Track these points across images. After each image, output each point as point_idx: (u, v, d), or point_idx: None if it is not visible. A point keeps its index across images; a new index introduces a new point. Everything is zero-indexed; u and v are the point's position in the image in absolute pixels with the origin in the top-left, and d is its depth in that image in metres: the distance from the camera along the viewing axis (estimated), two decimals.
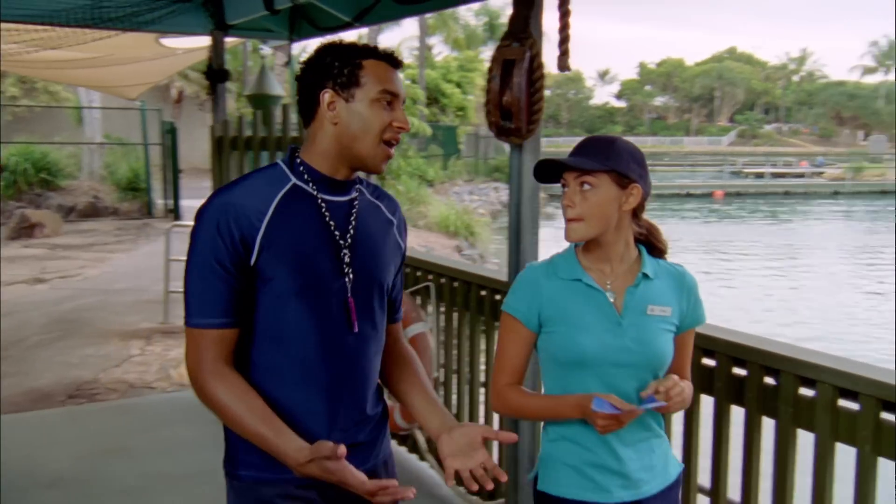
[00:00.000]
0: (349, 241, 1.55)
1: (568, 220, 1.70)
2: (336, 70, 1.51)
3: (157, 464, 3.81)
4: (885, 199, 35.47)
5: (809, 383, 2.01)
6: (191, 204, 14.84)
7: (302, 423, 1.49)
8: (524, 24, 2.39)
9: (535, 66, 2.36)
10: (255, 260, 1.46)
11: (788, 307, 14.34)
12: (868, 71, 74.02)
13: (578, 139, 1.81)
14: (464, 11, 34.25)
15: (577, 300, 1.72)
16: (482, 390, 3.34)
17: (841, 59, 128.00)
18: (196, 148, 22.27)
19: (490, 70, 2.46)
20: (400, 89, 1.53)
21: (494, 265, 14.68)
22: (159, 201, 16.02)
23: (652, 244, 1.81)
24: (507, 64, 2.39)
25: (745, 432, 2.17)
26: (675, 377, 1.65)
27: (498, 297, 3.15)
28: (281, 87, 7.69)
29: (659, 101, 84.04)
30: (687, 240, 21.93)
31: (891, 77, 71.93)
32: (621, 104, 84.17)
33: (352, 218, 1.57)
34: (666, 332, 1.74)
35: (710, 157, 58.40)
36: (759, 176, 43.48)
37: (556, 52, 2.31)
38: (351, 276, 1.54)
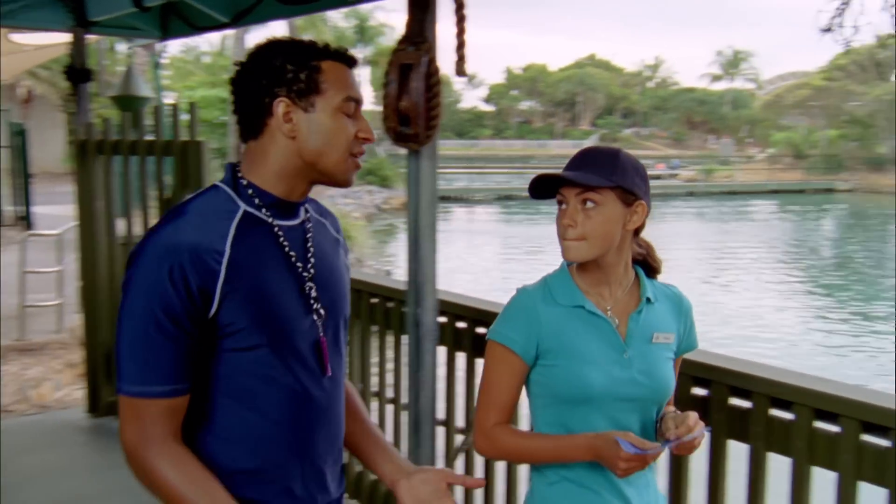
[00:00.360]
0: (311, 271, 1.36)
1: (567, 239, 1.53)
2: (291, 74, 1.29)
3: (23, 496, 3.50)
4: (733, 199, 37.97)
5: (784, 405, 1.92)
6: (45, 211, 13.87)
7: (274, 488, 1.31)
8: (420, 29, 2.35)
9: (432, 70, 2.33)
10: (214, 311, 1.22)
11: None
12: (715, 78, 78.95)
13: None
14: (333, 13, 33.90)
15: (579, 329, 1.55)
16: (390, 407, 3.25)
17: (691, 67, 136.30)
18: (48, 151, 20.90)
19: (387, 74, 2.40)
20: (362, 95, 1.35)
21: (370, 269, 14.58)
22: (8, 208, 14.89)
23: (648, 264, 1.68)
24: (404, 69, 2.34)
25: (710, 455, 2.08)
26: (692, 413, 1.51)
27: (392, 305, 3.09)
28: (148, 88, 7.31)
29: (525, 105, 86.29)
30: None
31: (735, 84, 77.13)
32: (489, 108, 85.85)
33: (309, 244, 1.38)
34: (669, 360, 1.61)
35: None
36: None
37: (454, 58, 2.29)
38: (321, 311, 1.35)
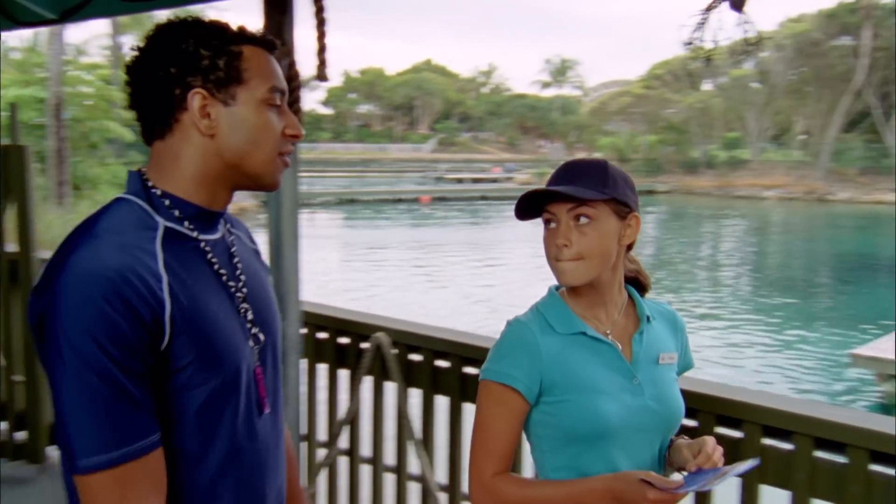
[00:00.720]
0: (244, 290, 1.19)
1: (561, 260, 1.40)
2: (207, 61, 1.10)
3: None
4: None
5: (781, 434, 1.82)
6: None
7: None
8: (278, 31, 2.26)
9: (292, 74, 2.24)
10: (166, 344, 1.03)
11: (495, 300, 15.47)
12: (545, 85, 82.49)
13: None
14: (159, 10, 32.20)
15: (584, 358, 1.41)
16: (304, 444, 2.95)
17: (522, 74, 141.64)
18: None
19: None
20: (286, 85, 1.18)
21: None
22: None
23: (638, 281, 1.56)
24: None
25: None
26: (708, 438, 1.39)
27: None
28: None
29: (363, 108, 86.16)
30: (398, 245, 22.69)
31: (563, 91, 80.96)
32: (328, 111, 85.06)
33: (235, 260, 1.21)
34: (676, 381, 1.50)
35: (414, 164, 61.29)
36: (460, 181, 46.50)
37: (315, 62, 2.21)
38: (261, 336, 1.19)
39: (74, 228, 1.09)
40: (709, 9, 1.81)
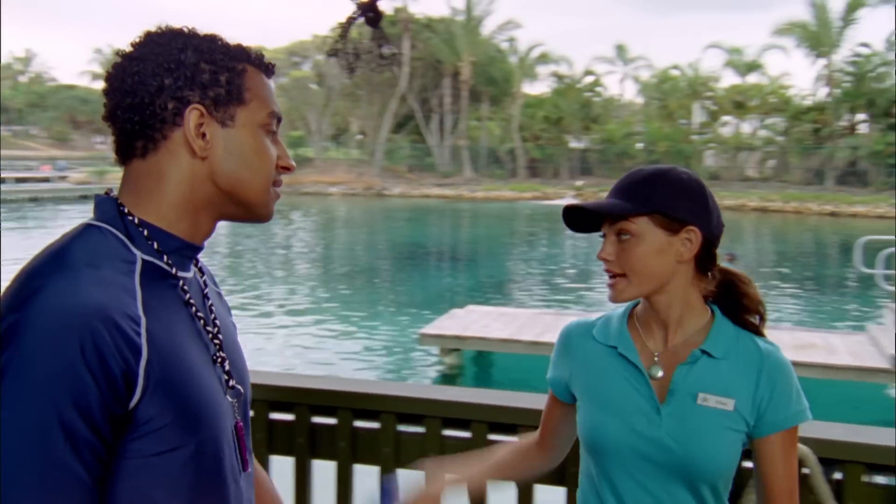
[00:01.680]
0: (220, 337, 1.04)
1: (610, 277, 1.35)
2: (208, 76, 0.99)
3: None
4: None
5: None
6: None
7: None
8: None
9: None
10: (135, 403, 0.88)
11: None
12: (96, 76, 76.25)
13: None
14: None
15: (609, 372, 1.38)
16: None
17: (70, 63, 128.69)
18: None
19: None
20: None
21: None
22: None
23: (739, 303, 1.38)
24: None
25: None
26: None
27: None
28: None
29: None
30: None
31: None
32: None
33: (209, 303, 1.07)
34: (726, 430, 1.31)
35: None
36: (1, 181, 40.71)
37: None
38: (240, 389, 1.05)
39: (38, 256, 0.93)
40: (348, 23, 1.84)
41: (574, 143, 47.32)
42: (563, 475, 1.78)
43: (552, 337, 8.60)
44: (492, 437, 1.86)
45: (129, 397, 0.88)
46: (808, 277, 19.02)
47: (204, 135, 1.01)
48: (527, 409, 1.84)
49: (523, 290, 17.35)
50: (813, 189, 37.31)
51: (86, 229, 0.98)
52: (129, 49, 1.02)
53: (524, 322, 10.51)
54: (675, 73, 44.11)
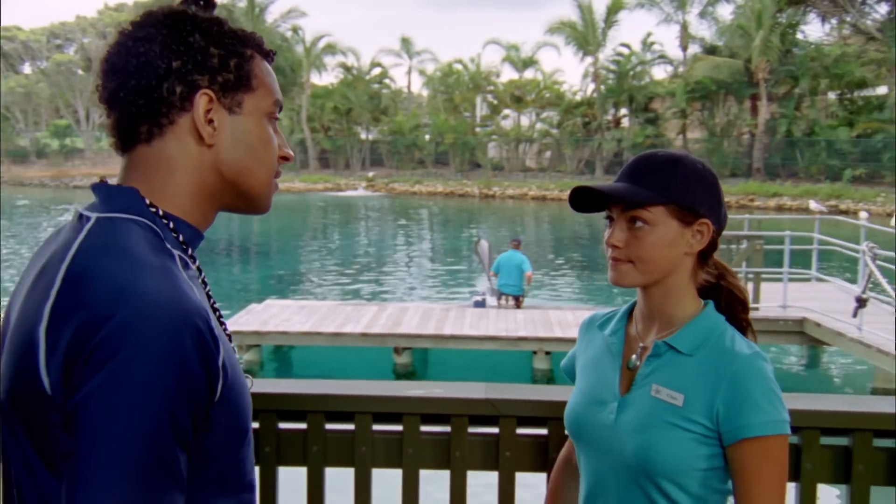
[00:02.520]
0: (227, 330, 0.99)
1: (612, 260, 1.30)
2: (217, 60, 0.95)
3: None
4: None
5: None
6: None
7: None
8: None
9: None
10: (216, 399, 0.87)
11: None
12: None
13: None
14: None
15: (598, 360, 1.41)
16: None
17: None
18: None
19: None
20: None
21: None
22: None
23: (731, 294, 1.34)
24: None
25: None
26: None
27: None
28: None
29: None
30: None
31: None
32: None
33: (208, 290, 1.02)
34: (673, 426, 1.24)
35: None
36: None
37: None
38: (250, 380, 1.04)
39: (87, 255, 0.87)
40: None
41: (364, 135, 47.59)
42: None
43: (353, 328, 8.72)
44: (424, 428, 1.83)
45: (215, 393, 0.87)
46: (584, 261, 20.55)
47: (211, 121, 0.97)
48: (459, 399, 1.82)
49: (322, 281, 17.22)
50: (585, 178, 40.33)
51: (121, 224, 0.91)
52: (130, 28, 0.96)
53: (325, 314, 10.46)
54: (458, 67, 45.65)
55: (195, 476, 0.88)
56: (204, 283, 1.02)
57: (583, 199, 1.34)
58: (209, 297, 1.00)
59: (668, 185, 1.26)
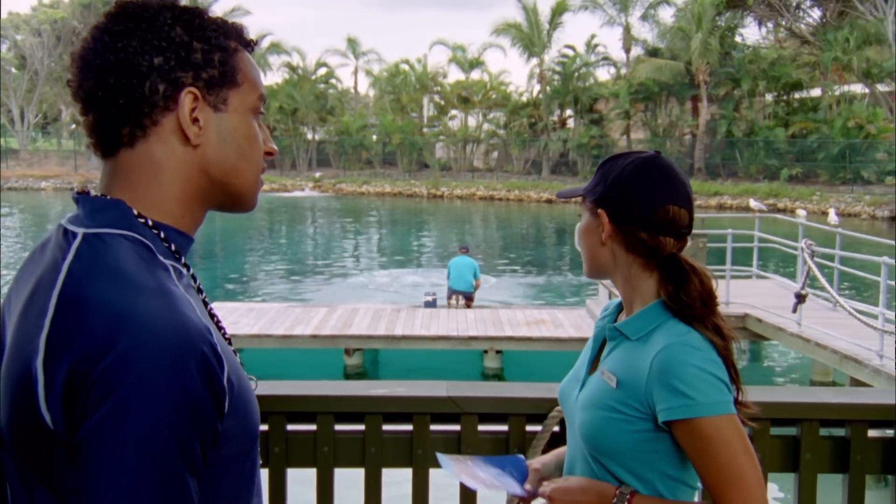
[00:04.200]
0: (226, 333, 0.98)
1: None
2: (200, 56, 0.91)
3: None
4: None
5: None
6: None
7: None
8: None
9: None
10: (227, 407, 0.84)
11: None
12: None
13: None
14: None
15: (589, 343, 1.51)
16: None
17: None
18: None
19: None
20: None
21: None
22: None
23: (684, 296, 1.33)
24: None
25: None
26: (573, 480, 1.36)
27: None
28: None
29: None
30: None
31: None
32: None
33: (205, 297, 0.98)
34: (607, 407, 1.33)
35: None
36: None
37: None
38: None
39: (76, 277, 0.83)
40: None
41: (310, 135, 47.17)
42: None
43: (303, 329, 8.66)
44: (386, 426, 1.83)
45: (223, 410, 0.84)
46: (532, 260, 20.74)
47: (196, 120, 0.92)
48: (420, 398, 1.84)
49: (270, 283, 17.02)
50: (531, 178, 40.68)
51: (110, 241, 0.86)
52: (105, 22, 0.90)
53: (273, 316, 10.35)
54: (404, 67, 45.61)
55: (208, 488, 0.86)
56: (199, 290, 0.99)
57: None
58: (206, 303, 0.97)
59: (595, 180, 1.40)
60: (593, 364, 1.45)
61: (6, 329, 0.89)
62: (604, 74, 43.21)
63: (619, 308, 1.48)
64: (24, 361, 0.82)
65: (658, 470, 1.32)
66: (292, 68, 47.41)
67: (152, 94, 0.90)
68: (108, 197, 0.92)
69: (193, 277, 0.98)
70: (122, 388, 0.77)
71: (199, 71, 0.92)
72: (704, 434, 1.24)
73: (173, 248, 0.93)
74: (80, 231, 0.89)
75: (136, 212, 0.91)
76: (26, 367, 0.81)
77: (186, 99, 0.91)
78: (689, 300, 1.32)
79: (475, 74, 44.66)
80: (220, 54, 0.94)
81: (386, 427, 1.84)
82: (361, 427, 1.84)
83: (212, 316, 0.96)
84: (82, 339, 0.78)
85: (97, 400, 0.77)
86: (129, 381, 0.77)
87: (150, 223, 0.91)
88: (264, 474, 1.82)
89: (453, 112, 44.99)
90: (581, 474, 1.38)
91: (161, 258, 0.89)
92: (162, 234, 0.92)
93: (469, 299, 11.22)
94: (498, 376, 9.52)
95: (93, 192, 0.93)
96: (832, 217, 18.16)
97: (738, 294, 9.88)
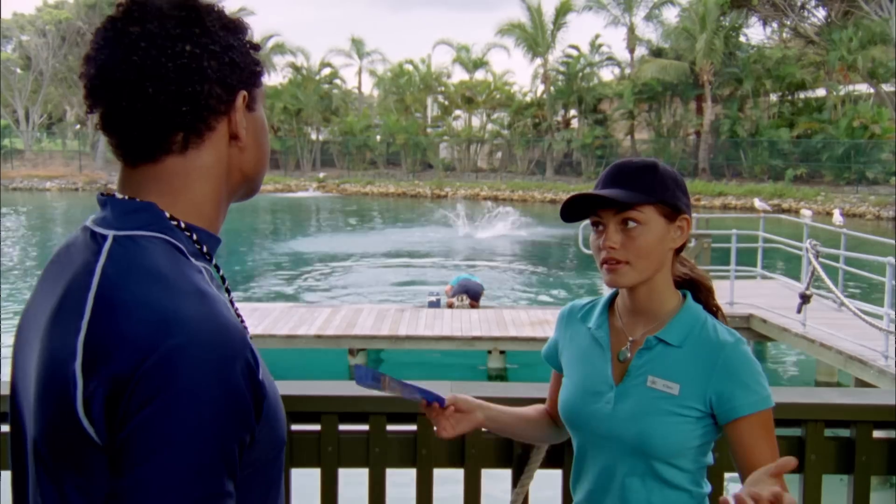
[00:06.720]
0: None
1: (609, 263, 1.38)
2: (242, 57, 0.91)
3: None
4: None
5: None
6: None
7: None
8: None
9: None
10: (263, 411, 0.84)
11: None
12: None
13: None
14: None
15: (585, 352, 1.48)
16: None
17: None
18: None
19: None
20: None
21: None
22: None
23: (696, 284, 1.48)
24: None
25: None
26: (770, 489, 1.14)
27: None
28: None
29: None
30: None
31: None
32: None
33: (232, 298, 0.97)
34: (672, 414, 1.38)
35: None
36: None
37: None
38: None
39: (118, 280, 0.81)
40: None
41: (314, 135, 47.19)
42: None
43: (307, 329, 8.64)
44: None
45: (261, 413, 0.84)
46: (538, 259, 20.71)
47: (241, 123, 0.93)
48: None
49: (274, 284, 17.02)
50: (535, 178, 40.64)
51: (143, 242, 0.85)
52: (154, 24, 0.86)
53: (277, 316, 10.34)
54: (408, 67, 45.61)
55: (240, 494, 0.84)
56: (227, 290, 0.98)
57: (571, 209, 1.42)
58: (232, 304, 0.95)
59: (652, 186, 1.38)
60: (614, 374, 1.44)
61: (30, 338, 0.87)
62: (608, 74, 43.20)
63: (606, 312, 1.50)
64: (60, 365, 0.80)
65: (700, 462, 1.43)
66: (296, 69, 47.44)
67: (213, 99, 0.90)
68: (139, 200, 0.90)
69: (223, 279, 0.98)
70: (168, 389, 0.75)
71: (243, 73, 0.93)
72: (767, 423, 1.37)
73: (204, 249, 0.93)
74: (111, 233, 0.87)
75: (168, 214, 0.90)
76: (62, 370, 0.79)
77: (239, 102, 0.92)
78: (712, 296, 1.48)
79: (479, 74, 44.67)
80: (252, 54, 0.95)
81: (390, 427, 1.84)
82: (365, 427, 1.84)
83: (238, 316, 0.95)
84: (125, 341, 0.77)
85: (141, 401, 0.75)
86: (175, 383, 0.76)
87: (182, 225, 0.90)
88: (301, 474, 1.85)
89: (457, 112, 44.97)
90: (624, 482, 1.41)
91: (193, 260, 0.89)
92: (194, 237, 0.91)
93: (475, 299, 11.21)
94: (502, 377, 9.51)
95: (118, 195, 0.91)
96: (837, 217, 18.14)
97: (742, 294, 9.86)
